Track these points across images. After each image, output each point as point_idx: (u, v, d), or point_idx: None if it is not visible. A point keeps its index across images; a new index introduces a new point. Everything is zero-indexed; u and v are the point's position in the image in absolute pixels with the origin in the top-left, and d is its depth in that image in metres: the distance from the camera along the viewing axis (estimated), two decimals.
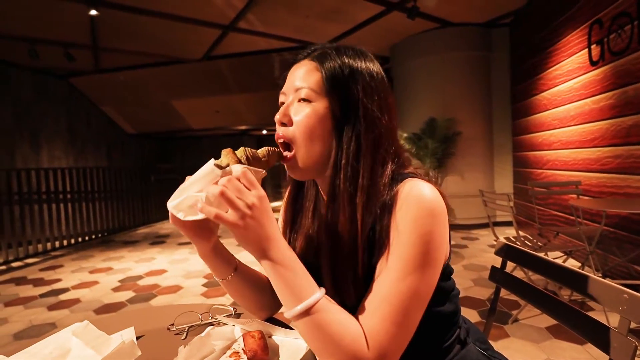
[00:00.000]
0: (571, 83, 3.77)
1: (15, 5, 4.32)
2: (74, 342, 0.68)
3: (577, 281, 0.79)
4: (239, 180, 0.57)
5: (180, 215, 0.61)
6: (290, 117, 0.68)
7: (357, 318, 0.60)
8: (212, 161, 0.61)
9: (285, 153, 0.69)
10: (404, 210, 0.60)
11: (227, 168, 0.60)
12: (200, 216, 0.58)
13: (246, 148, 0.65)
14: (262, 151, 0.67)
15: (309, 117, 0.66)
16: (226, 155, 0.63)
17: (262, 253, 0.58)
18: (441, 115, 5.51)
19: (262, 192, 0.58)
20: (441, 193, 0.64)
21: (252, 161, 0.64)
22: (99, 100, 8.01)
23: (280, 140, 0.69)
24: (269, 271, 0.59)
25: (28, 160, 6.50)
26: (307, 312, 0.56)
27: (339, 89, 0.66)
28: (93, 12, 4.41)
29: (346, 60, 0.68)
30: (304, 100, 0.67)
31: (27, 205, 4.81)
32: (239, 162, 0.62)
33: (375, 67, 0.70)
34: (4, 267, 4.30)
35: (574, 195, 3.48)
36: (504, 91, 5.66)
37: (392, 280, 0.58)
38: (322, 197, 0.77)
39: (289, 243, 0.79)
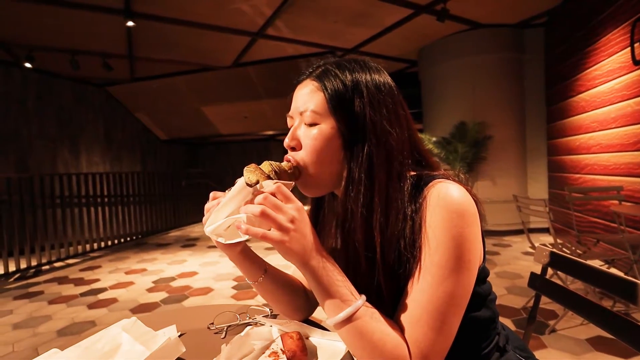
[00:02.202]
0: (612, 84, 3.60)
1: (58, 19, 4.58)
2: (124, 337, 0.71)
3: (630, 290, 0.75)
4: (275, 196, 0.57)
5: (221, 240, 0.61)
6: (299, 140, 0.67)
7: (397, 324, 0.60)
8: (242, 180, 0.60)
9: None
10: (433, 214, 0.59)
11: (258, 185, 0.59)
12: (243, 238, 0.58)
13: (271, 162, 0.64)
14: (287, 164, 0.66)
15: (316, 139, 0.65)
16: (253, 171, 0.61)
17: (305, 262, 0.58)
18: (471, 118, 5.39)
19: (300, 204, 0.58)
20: (472, 193, 0.63)
21: (280, 175, 0.63)
22: (133, 107, 8.34)
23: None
24: (311, 279, 0.59)
25: (69, 165, 6.85)
26: (349, 320, 0.57)
27: (343, 107, 0.64)
28: (130, 24, 4.61)
29: (349, 75, 0.65)
30: (310, 125, 0.66)
31: (68, 208, 5.05)
32: (268, 177, 0.61)
33: (381, 78, 0.67)
34: (47, 266, 4.54)
35: (615, 201, 3.31)
36: (537, 93, 5.47)
37: (427, 287, 0.57)
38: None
39: None
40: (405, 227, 0.62)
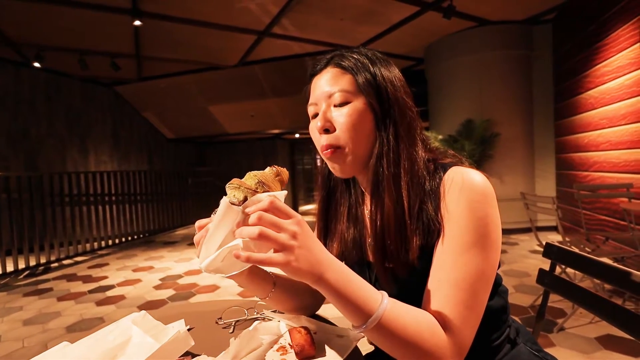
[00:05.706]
0: (622, 80, 3.56)
1: (67, 20, 4.62)
2: (135, 330, 0.72)
3: None
4: (270, 212, 0.52)
5: (220, 275, 0.55)
6: (332, 122, 0.69)
7: (427, 307, 0.60)
8: (225, 199, 0.54)
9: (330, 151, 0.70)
10: (457, 196, 0.62)
11: (247, 202, 0.54)
12: (244, 267, 0.53)
13: (255, 173, 0.58)
14: (272, 170, 0.60)
15: (351, 115, 0.67)
16: (238, 187, 0.55)
17: (318, 278, 0.54)
18: (478, 116, 5.36)
19: (299, 216, 0.54)
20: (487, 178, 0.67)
21: (268, 184, 0.57)
22: (140, 107, 8.40)
23: (328, 150, 0.69)
24: (329, 294, 0.55)
25: (77, 164, 6.91)
26: (379, 324, 0.55)
27: (370, 83, 0.68)
28: (137, 23, 4.64)
29: (365, 58, 0.71)
30: (340, 105, 0.69)
31: (77, 206, 5.11)
32: (255, 191, 0.55)
33: (389, 63, 0.73)
34: (56, 264, 4.60)
35: (625, 199, 3.27)
36: (545, 90, 5.42)
37: (458, 265, 0.59)
38: (360, 198, 0.79)
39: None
40: (426, 200, 0.65)
